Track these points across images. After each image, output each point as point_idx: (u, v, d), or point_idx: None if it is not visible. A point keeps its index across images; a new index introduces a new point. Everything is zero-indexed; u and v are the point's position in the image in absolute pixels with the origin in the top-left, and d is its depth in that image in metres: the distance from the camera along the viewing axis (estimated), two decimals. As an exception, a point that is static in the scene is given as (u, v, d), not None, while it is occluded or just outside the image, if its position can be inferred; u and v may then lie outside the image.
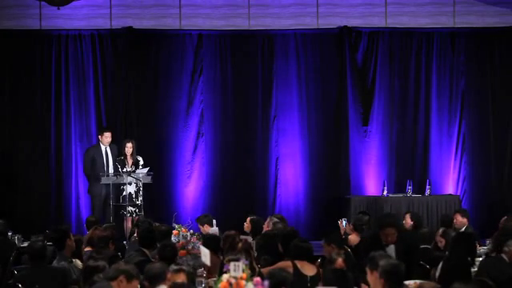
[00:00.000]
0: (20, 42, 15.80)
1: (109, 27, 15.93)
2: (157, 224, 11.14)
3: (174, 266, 6.88)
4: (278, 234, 9.68)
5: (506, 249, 8.56)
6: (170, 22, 16.05)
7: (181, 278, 6.64)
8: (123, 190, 14.28)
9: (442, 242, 10.49)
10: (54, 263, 8.90)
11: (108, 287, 6.35)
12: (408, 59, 16.29)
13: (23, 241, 12.42)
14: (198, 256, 8.88)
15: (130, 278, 6.49)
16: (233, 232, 9.60)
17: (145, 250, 9.18)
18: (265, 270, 8.34)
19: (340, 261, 7.44)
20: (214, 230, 11.72)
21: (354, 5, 16.23)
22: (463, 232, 11.17)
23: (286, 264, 8.27)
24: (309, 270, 8.36)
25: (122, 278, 6.46)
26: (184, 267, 6.92)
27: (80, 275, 7.70)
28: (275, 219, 11.46)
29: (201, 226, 12.14)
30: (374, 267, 6.19)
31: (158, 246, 8.92)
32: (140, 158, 14.62)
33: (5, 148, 15.78)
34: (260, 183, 16.08)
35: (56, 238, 9.26)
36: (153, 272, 6.65)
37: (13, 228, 12.71)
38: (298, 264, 8.34)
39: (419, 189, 15.58)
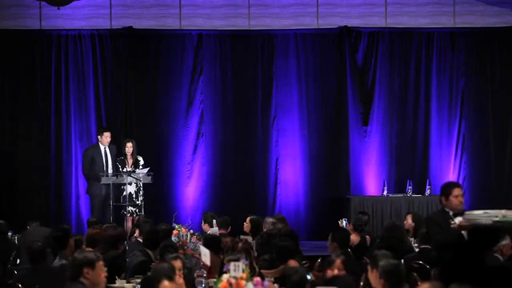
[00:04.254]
0: (20, 41, 15.81)
1: (109, 27, 15.93)
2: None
3: (171, 255, 7.49)
4: (277, 234, 9.68)
5: (494, 248, 8.55)
6: (169, 22, 16.05)
7: (178, 264, 7.21)
8: (123, 189, 14.29)
9: (441, 242, 10.46)
10: (55, 263, 8.89)
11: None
12: (408, 59, 16.29)
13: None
14: (193, 256, 8.88)
15: (92, 264, 6.32)
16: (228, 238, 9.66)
17: (148, 251, 9.17)
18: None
19: (338, 262, 7.42)
20: (214, 230, 11.72)
21: (353, 5, 16.24)
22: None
23: (296, 264, 8.26)
24: None
25: (86, 270, 6.30)
26: (181, 255, 7.56)
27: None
28: (271, 220, 11.46)
29: (206, 224, 12.13)
30: (374, 266, 6.20)
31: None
32: (140, 158, 14.63)
33: (5, 148, 15.78)
34: (260, 183, 16.08)
35: (58, 237, 9.23)
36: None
37: (13, 228, 12.71)
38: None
39: (419, 189, 15.59)
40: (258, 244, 9.77)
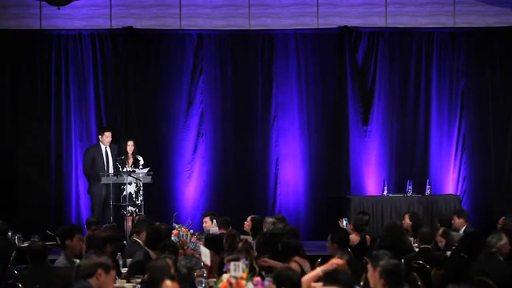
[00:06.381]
0: (20, 42, 15.80)
1: (109, 27, 15.93)
2: (157, 223, 11.12)
3: (160, 256, 7.59)
4: (279, 234, 9.67)
5: (494, 250, 8.55)
6: (170, 22, 16.05)
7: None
8: (123, 189, 14.29)
9: (442, 242, 10.50)
10: (57, 262, 8.88)
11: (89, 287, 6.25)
12: (408, 59, 16.29)
13: (23, 241, 12.42)
14: (193, 256, 8.88)
15: (107, 269, 6.31)
16: (233, 232, 9.63)
17: (148, 250, 9.16)
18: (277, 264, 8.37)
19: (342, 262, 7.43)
20: (214, 230, 11.72)
21: (354, 5, 16.24)
22: (469, 232, 11.12)
23: (294, 265, 8.26)
24: (308, 267, 8.38)
25: (100, 271, 6.29)
26: (170, 256, 7.60)
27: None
28: (271, 219, 11.46)
29: (208, 221, 12.13)
30: (374, 266, 6.19)
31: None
32: (140, 158, 14.63)
33: (5, 148, 15.78)
34: (260, 183, 16.08)
35: (65, 231, 9.18)
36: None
37: (13, 228, 12.72)
38: (301, 261, 8.37)
39: (419, 189, 15.59)
40: (258, 243, 9.77)
